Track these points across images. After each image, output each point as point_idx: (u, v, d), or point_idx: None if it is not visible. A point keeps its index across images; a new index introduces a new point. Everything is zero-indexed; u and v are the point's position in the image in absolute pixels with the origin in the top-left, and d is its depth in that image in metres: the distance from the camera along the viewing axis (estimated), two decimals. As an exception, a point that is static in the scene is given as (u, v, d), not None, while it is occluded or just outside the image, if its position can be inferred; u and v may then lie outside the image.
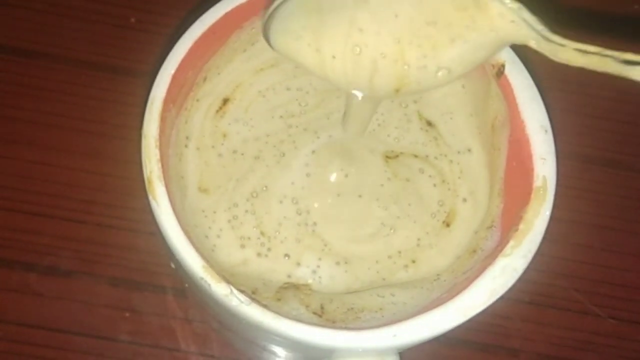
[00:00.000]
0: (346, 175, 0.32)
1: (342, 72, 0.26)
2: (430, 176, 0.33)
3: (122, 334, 0.40)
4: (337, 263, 0.31)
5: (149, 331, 0.41)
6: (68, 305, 0.41)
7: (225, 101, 0.33)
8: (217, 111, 0.33)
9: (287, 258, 0.31)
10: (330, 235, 0.31)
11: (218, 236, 0.31)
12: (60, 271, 0.41)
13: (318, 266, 0.31)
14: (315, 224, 0.32)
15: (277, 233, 0.31)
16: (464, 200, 0.32)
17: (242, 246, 0.31)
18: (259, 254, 0.31)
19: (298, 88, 0.34)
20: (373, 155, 0.33)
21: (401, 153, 0.33)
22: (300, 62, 0.26)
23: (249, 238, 0.31)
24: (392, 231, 0.32)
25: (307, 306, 0.29)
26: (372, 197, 0.32)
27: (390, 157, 0.33)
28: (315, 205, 0.32)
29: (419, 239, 0.32)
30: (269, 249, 0.31)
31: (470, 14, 0.25)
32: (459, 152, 0.33)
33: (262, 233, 0.31)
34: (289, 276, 0.31)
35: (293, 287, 0.30)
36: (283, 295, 0.29)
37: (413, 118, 0.34)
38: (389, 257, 0.31)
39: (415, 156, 0.33)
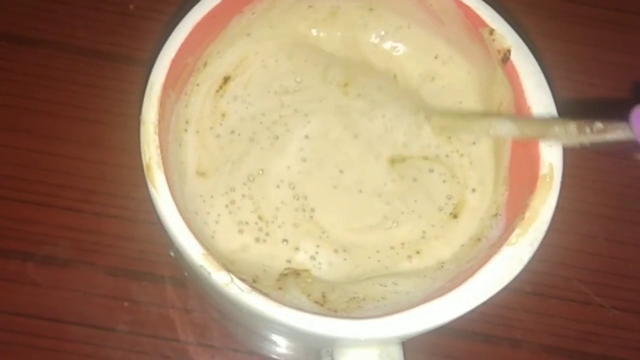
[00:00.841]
0: (341, 171, 0.32)
1: None
2: (440, 174, 0.32)
3: (121, 323, 0.40)
4: (336, 251, 0.30)
5: (147, 321, 0.40)
6: (66, 295, 0.40)
7: (226, 79, 0.33)
8: (218, 90, 0.32)
9: (285, 243, 0.30)
10: (328, 223, 0.31)
11: (216, 222, 0.30)
12: (58, 260, 0.41)
13: (317, 252, 0.30)
14: (313, 210, 0.31)
15: (275, 218, 0.31)
16: (473, 190, 0.32)
17: (241, 231, 0.30)
18: (257, 239, 0.30)
19: (298, 61, 0.34)
20: (377, 161, 0.32)
21: (409, 157, 0.33)
22: None
23: (246, 223, 0.31)
24: (394, 224, 0.31)
25: (308, 295, 0.29)
26: (373, 193, 0.32)
27: (397, 161, 0.32)
28: (313, 192, 0.31)
29: (424, 232, 0.31)
30: (267, 234, 0.30)
31: None
32: (473, 144, 0.32)
33: (259, 218, 0.31)
34: (288, 261, 0.30)
35: (294, 274, 0.29)
36: (284, 283, 0.29)
37: (424, 125, 0.33)
38: (392, 247, 0.31)
39: (425, 158, 0.32)
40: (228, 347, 0.40)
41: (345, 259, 0.31)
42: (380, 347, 0.27)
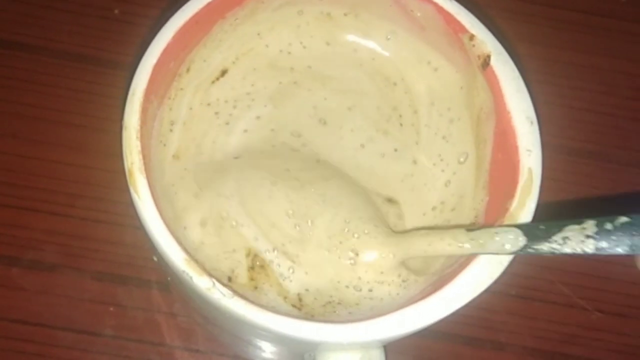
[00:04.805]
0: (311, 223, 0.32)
1: None
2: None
3: (107, 328, 0.40)
4: (306, 273, 0.31)
5: (133, 326, 0.40)
6: (52, 300, 0.40)
7: (224, 72, 0.33)
8: (213, 82, 0.33)
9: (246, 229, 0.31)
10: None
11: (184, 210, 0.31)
12: (44, 265, 0.41)
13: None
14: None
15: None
16: (452, 209, 0.32)
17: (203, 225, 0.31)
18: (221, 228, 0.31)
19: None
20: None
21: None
22: None
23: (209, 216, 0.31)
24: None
25: (285, 297, 0.29)
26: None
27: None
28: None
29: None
30: (232, 226, 0.31)
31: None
32: (459, 162, 0.33)
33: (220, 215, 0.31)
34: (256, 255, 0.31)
35: (262, 269, 0.30)
36: (258, 282, 0.29)
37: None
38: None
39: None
40: (214, 352, 0.40)
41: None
42: (362, 351, 0.27)
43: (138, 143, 0.27)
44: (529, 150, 0.28)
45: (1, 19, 0.46)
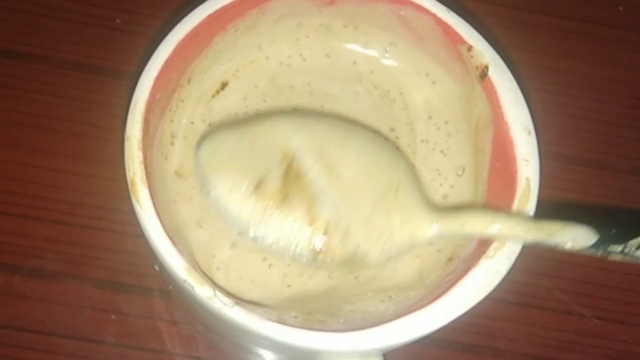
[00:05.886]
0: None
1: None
2: None
3: (108, 336, 0.40)
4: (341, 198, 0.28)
5: (135, 333, 0.41)
6: (53, 308, 0.40)
7: (224, 85, 0.33)
8: (214, 95, 0.33)
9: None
10: None
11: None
12: (45, 273, 0.41)
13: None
14: None
15: None
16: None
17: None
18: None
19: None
20: None
21: None
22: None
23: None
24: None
25: (310, 222, 0.27)
26: None
27: None
28: None
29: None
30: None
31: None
32: (457, 175, 0.33)
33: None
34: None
35: (298, 178, 0.28)
36: (289, 192, 0.27)
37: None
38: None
39: None
40: (215, 359, 0.40)
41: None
42: (362, 359, 0.28)
43: (140, 154, 0.27)
44: (526, 160, 0.28)
45: (3, 29, 0.46)
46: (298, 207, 0.27)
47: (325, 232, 0.27)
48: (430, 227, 0.27)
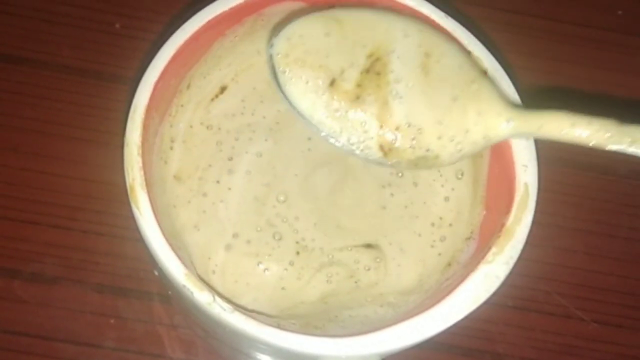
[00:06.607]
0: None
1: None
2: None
3: (108, 340, 0.40)
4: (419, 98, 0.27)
5: (134, 338, 0.41)
6: (53, 312, 0.41)
7: (223, 89, 0.33)
8: (212, 99, 0.33)
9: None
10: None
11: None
12: (45, 278, 0.41)
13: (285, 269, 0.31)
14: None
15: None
16: (450, 225, 0.32)
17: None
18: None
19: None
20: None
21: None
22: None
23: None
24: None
25: (382, 124, 0.27)
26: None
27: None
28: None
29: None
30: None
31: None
32: (457, 178, 0.33)
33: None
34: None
35: (378, 76, 0.27)
36: (363, 92, 0.27)
37: None
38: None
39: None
40: (214, 364, 0.41)
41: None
42: (361, 364, 0.28)
43: (139, 159, 0.27)
44: (525, 166, 0.28)
45: (2, 34, 0.46)
46: (371, 106, 0.26)
47: (397, 132, 0.26)
48: (506, 124, 0.26)
